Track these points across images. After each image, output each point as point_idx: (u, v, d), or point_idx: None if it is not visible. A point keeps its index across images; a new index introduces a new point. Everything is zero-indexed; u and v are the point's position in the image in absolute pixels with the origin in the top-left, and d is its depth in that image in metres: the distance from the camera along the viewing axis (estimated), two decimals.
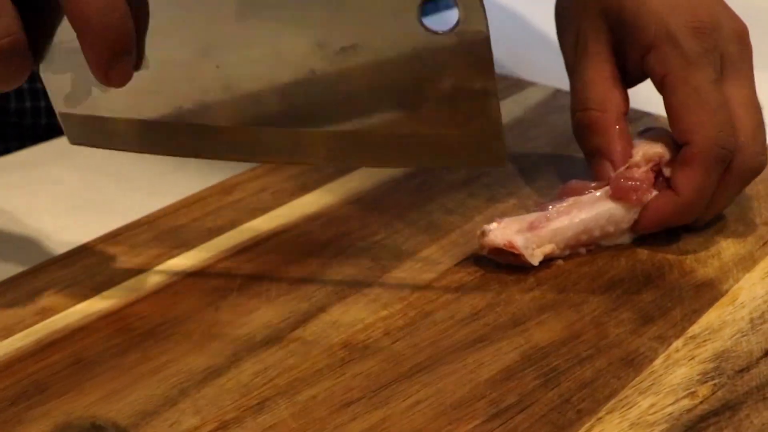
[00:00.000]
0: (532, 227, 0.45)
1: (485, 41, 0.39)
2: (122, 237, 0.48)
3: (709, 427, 0.37)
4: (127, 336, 0.41)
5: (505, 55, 0.75)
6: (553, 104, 0.64)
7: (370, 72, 0.40)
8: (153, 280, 0.45)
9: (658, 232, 0.48)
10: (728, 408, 0.38)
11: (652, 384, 0.39)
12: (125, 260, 0.47)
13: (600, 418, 0.37)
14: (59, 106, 0.42)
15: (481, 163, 0.42)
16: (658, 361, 0.40)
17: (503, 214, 0.48)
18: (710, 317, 0.43)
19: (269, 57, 0.40)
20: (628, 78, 0.50)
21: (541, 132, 0.60)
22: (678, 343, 0.41)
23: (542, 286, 0.45)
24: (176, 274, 0.46)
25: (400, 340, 0.41)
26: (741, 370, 0.40)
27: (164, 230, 0.49)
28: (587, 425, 0.37)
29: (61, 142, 0.60)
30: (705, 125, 0.45)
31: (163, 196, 0.52)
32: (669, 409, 0.38)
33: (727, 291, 0.44)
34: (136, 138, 0.42)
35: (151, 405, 0.37)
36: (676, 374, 0.39)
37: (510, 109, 0.63)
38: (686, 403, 0.38)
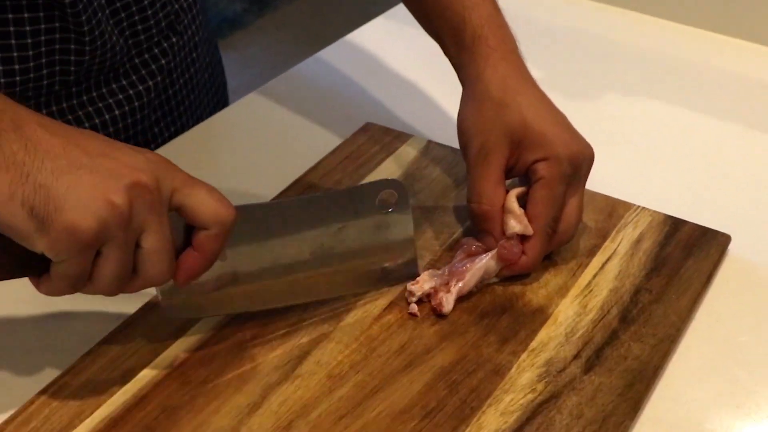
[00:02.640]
0: (446, 285, 0.72)
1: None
2: None
3: (543, 411, 0.65)
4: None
5: (385, 107, 1.00)
6: (428, 157, 0.90)
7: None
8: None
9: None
10: (554, 397, 0.66)
11: (510, 386, 0.67)
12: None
13: (483, 411, 0.65)
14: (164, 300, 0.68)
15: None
16: (513, 370, 0.68)
17: None
18: (542, 335, 0.71)
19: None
20: (512, 173, 0.77)
21: (423, 185, 0.86)
22: (524, 356, 0.69)
23: (441, 322, 0.72)
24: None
25: (360, 371, 0.67)
26: (560, 371, 0.68)
27: None
28: (477, 416, 0.65)
29: None
30: (545, 216, 0.74)
31: None
32: (521, 401, 0.66)
33: (551, 314, 0.73)
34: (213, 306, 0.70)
35: None
36: (523, 377, 0.68)
37: (397, 164, 0.88)
38: (530, 396, 0.66)
